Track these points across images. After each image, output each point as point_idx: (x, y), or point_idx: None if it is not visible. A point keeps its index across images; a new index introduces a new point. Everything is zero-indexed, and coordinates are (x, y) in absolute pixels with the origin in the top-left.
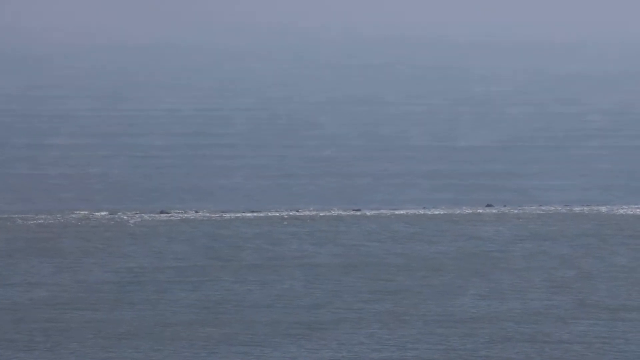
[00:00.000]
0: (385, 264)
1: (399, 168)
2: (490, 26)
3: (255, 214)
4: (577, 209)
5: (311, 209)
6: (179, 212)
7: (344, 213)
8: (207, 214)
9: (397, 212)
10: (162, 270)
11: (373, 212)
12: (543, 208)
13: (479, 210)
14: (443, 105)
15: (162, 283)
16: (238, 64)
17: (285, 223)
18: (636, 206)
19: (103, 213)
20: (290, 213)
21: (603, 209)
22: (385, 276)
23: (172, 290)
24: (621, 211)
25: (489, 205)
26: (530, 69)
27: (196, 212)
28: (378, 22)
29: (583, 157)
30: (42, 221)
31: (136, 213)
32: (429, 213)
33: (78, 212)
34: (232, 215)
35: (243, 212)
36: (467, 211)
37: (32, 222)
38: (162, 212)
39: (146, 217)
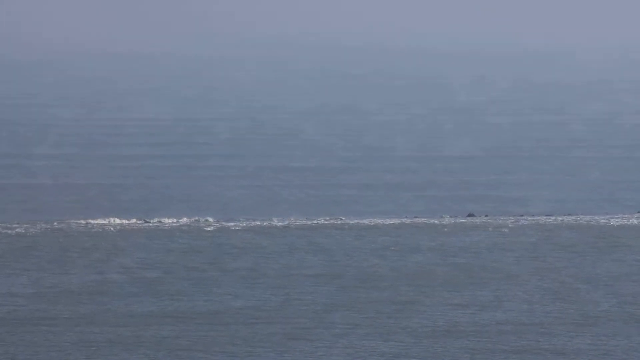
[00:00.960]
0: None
1: (381, 177)
2: (471, 35)
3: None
4: (559, 218)
5: (292, 218)
6: (162, 220)
7: (326, 222)
8: (194, 223)
9: (375, 221)
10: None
11: (354, 222)
12: (525, 218)
13: (460, 220)
14: (424, 114)
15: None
16: (219, 73)
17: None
18: (618, 216)
19: (81, 221)
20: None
21: (586, 218)
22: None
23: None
24: (602, 221)
25: (470, 215)
26: (512, 78)
27: (176, 220)
28: (359, 32)
29: (566, 166)
30: (22, 230)
31: (118, 221)
32: (408, 222)
33: (58, 221)
34: (214, 224)
35: (225, 222)
36: (446, 221)
37: (9, 231)
38: (145, 220)
39: (126, 225)
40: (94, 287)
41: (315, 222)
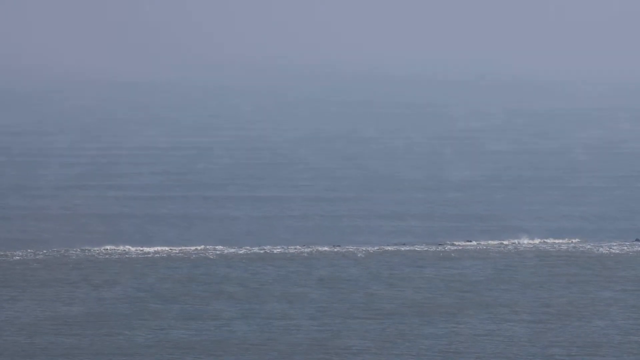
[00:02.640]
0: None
1: (381, 203)
2: (469, 64)
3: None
4: (557, 245)
5: (296, 246)
6: (163, 248)
7: (326, 249)
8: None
9: (371, 248)
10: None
11: (353, 248)
12: (523, 243)
13: (459, 246)
14: (423, 141)
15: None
16: (219, 100)
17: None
18: (618, 243)
19: (77, 250)
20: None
21: (587, 246)
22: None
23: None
24: (601, 250)
25: (468, 241)
26: (510, 106)
27: (181, 248)
28: (357, 60)
29: (566, 194)
30: (19, 257)
31: (105, 248)
32: (409, 249)
33: (55, 249)
34: (211, 250)
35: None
36: (447, 247)
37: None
38: (139, 248)
39: (117, 253)
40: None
41: (315, 249)
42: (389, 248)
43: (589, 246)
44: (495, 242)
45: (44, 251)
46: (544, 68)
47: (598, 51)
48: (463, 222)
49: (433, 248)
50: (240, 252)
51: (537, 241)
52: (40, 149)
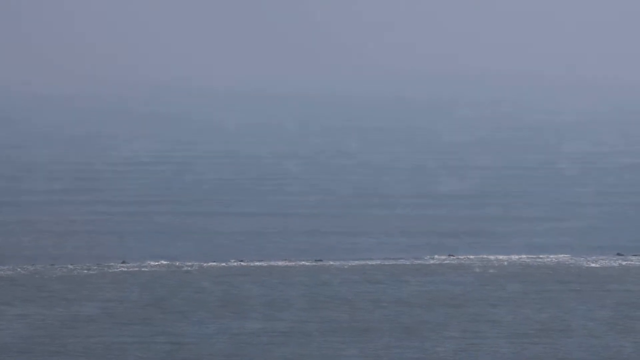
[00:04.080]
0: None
1: (363, 216)
2: (449, 83)
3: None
4: (541, 259)
5: (283, 260)
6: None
7: (307, 264)
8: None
9: (353, 262)
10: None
11: (337, 263)
12: (508, 257)
13: (441, 260)
14: (409, 155)
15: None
16: (203, 116)
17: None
18: (605, 257)
19: (57, 266)
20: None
21: (572, 261)
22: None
23: None
24: (586, 264)
25: (450, 255)
26: (494, 119)
27: (157, 263)
28: (343, 79)
29: (554, 206)
30: (11, 272)
31: (92, 265)
32: (392, 263)
33: (36, 265)
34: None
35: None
36: (431, 262)
37: None
38: (123, 262)
39: (103, 269)
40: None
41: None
42: (372, 263)
43: (573, 261)
44: (479, 256)
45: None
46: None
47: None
48: (447, 237)
49: (417, 262)
50: (221, 265)
51: (521, 256)
52: (23, 162)
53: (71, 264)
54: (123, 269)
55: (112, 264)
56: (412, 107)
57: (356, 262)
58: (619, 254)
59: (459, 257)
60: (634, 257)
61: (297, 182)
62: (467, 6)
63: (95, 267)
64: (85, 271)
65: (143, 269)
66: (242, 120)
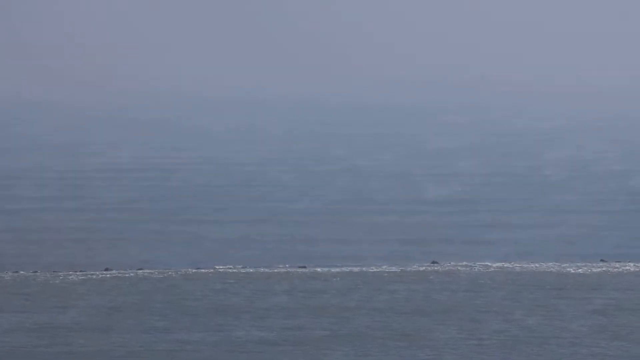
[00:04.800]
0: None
1: (348, 223)
2: (431, 92)
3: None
4: (526, 266)
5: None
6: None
7: (290, 270)
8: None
9: (338, 269)
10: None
11: (321, 270)
12: (494, 264)
13: (422, 268)
14: (393, 160)
15: None
16: (190, 121)
17: (232, 281)
18: (589, 264)
19: (38, 272)
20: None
21: (554, 268)
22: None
23: None
24: (571, 270)
25: (434, 262)
26: (477, 126)
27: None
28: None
29: (540, 213)
30: None
31: (79, 271)
32: (376, 270)
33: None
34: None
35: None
36: (410, 268)
37: None
38: (106, 269)
39: (89, 275)
40: None
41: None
42: (356, 269)
43: (558, 268)
44: (465, 263)
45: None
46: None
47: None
48: (433, 244)
49: (402, 269)
50: (206, 272)
51: (507, 263)
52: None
53: (54, 271)
54: (107, 275)
55: (96, 270)
56: (399, 113)
57: (341, 269)
58: (602, 261)
59: (445, 264)
60: (617, 264)
61: (283, 188)
62: (461, 15)
63: (78, 274)
64: (70, 277)
65: (127, 275)
66: (228, 126)
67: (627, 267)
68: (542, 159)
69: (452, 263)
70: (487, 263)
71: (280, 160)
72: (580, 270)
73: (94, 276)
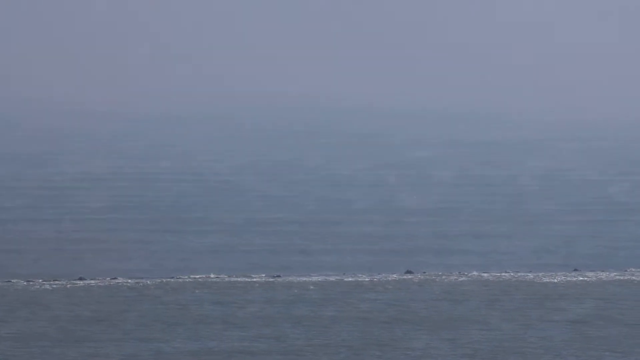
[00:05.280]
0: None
1: (324, 232)
2: (413, 96)
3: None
4: (505, 275)
5: (230, 274)
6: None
7: (266, 279)
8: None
9: (312, 278)
10: None
11: (296, 279)
12: (468, 274)
13: (394, 277)
14: (367, 169)
15: None
16: (164, 130)
17: (197, 291)
18: (563, 273)
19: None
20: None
21: (529, 276)
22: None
23: None
24: (546, 279)
25: (408, 272)
26: (453, 137)
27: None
28: (303, 90)
29: (514, 222)
30: None
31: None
32: (351, 279)
33: None
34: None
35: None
36: (385, 278)
37: None
38: (80, 278)
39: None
40: None
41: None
42: (332, 278)
43: (532, 277)
44: (439, 273)
45: None
46: (478, 102)
47: (526, 88)
48: (407, 254)
49: (377, 279)
50: (180, 281)
51: (481, 273)
52: None
53: (29, 280)
54: (81, 284)
55: (71, 280)
56: (373, 122)
57: (315, 278)
58: (575, 270)
59: (419, 274)
60: (590, 273)
61: (257, 197)
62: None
63: (52, 283)
64: (44, 287)
65: (100, 284)
66: (199, 136)
67: (601, 276)
68: (518, 168)
69: (427, 273)
70: (462, 273)
71: (254, 168)
72: (554, 279)
73: (69, 285)
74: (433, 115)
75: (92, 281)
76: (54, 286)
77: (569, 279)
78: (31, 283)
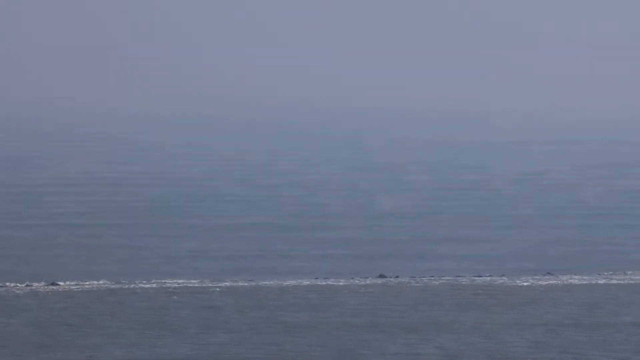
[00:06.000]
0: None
1: (298, 237)
2: (395, 99)
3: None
4: (479, 279)
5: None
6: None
7: (241, 284)
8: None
9: (287, 283)
10: None
11: (270, 283)
12: (442, 278)
13: (366, 282)
14: (343, 173)
15: None
16: (139, 138)
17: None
18: (537, 277)
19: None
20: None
21: (503, 280)
22: None
23: None
24: (525, 283)
25: (381, 276)
26: (428, 139)
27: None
28: (277, 92)
29: (488, 226)
30: None
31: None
32: (323, 284)
33: None
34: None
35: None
36: (358, 282)
37: None
38: (52, 283)
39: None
40: None
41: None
42: (306, 282)
43: (506, 280)
44: (414, 277)
45: None
46: (459, 104)
47: (503, 88)
48: (381, 258)
49: (350, 283)
50: (153, 286)
51: (455, 277)
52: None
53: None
54: (52, 288)
55: (41, 283)
56: (347, 126)
57: (289, 282)
58: (549, 273)
59: (392, 278)
60: (563, 277)
61: (232, 203)
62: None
63: (23, 287)
64: (15, 291)
65: (73, 288)
66: (176, 142)
67: (573, 280)
68: (491, 173)
69: (400, 277)
70: (435, 277)
71: (229, 174)
72: (526, 283)
73: (40, 289)
74: (411, 117)
75: (65, 284)
76: (26, 290)
77: (541, 282)
78: (1, 287)
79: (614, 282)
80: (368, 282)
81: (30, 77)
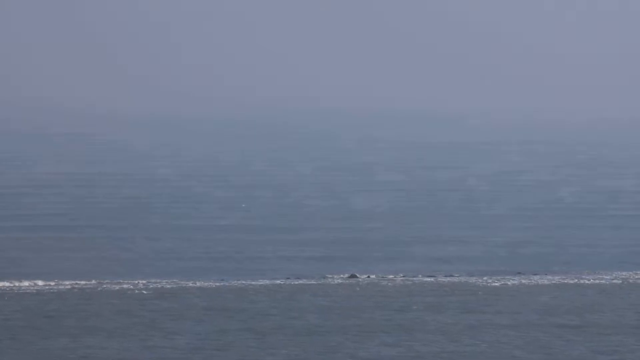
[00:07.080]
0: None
1: (270, 238)
2: (373, 98)
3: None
4: (450, 279)
5: (174, 279)
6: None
7: (210, 284)
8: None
9: (258, 282)
10: None
11: (240, 283)
12: (413, 278)
13: (337, 281)
14: (314, 173)
15: None
16: (114, 137)
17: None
18: (508, 277)
19: None
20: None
21: (471, 280)
22: None
23: None
24: (495, 283)
25: (352, 276)
26: (401, 139)
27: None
28: (254, 90)
29: (462, 226)
30: None
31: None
32: (295, 283)
33: None
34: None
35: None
36: (329, 282)
37: None
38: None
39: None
40: None
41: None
42: (279, 282)
43: (476, 280)
44: (384, 277)
45: None
46: (434, 104)
47: (481, 90)
48: (352, 258)
49: (320, 282)
50: (123, 286)
51: (426, 277)
52: None
53: None
54: (23, 289)
55: (5, 283)
56: (322, 126)
57: (261, 282)
58: (519, 273)
59: (364, 277)
60: (534, 277)
61: (206, 203)
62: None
63: None
64: None
65: (47, 289)
66: (152, 141)
67: (544, 281)
68: (465, 172)
69: (371, 277)
70: (406, 276)
71: (203, 174)
72: (496, 283)
73: (7, 290)
74: (385, 116)
75: (27, 285)
76: None
77: (512, 282)
78: None
79: (584, 282)
80: (339, 282)
81: (18, 77)
